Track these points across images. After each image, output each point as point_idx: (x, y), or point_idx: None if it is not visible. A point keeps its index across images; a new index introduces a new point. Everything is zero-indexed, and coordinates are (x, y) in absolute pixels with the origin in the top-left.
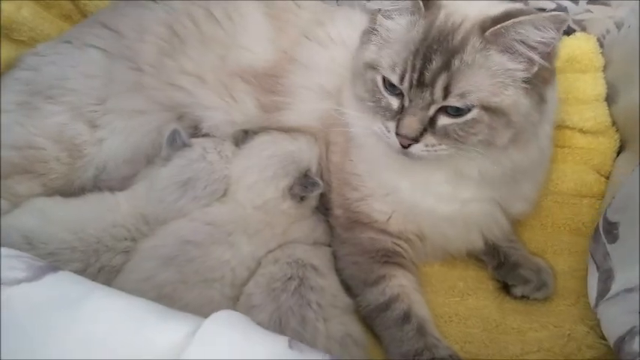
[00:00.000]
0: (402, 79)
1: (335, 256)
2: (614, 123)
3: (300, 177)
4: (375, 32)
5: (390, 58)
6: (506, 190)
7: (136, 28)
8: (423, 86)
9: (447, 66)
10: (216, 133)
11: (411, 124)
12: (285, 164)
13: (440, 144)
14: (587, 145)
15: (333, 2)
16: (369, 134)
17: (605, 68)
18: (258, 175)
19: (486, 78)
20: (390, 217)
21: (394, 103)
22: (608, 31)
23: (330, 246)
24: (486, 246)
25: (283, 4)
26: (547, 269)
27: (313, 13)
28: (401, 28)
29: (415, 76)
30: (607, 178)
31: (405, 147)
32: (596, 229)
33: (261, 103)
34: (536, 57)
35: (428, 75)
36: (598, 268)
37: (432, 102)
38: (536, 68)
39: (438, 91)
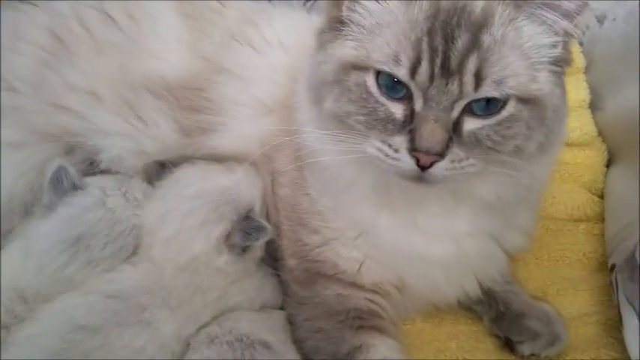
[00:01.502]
0: (413, 70)
1: (291, 323)
2: (599, 133)
3: (240, 220)
4: (347, 24)
5: (388, 47)
6: (503, 220)
7: (7, 35)
8: (449, 75)
9: (475, 44)
10: (120, 168)
11: (435, 132)
12: (218, 205)
13: (468, 157)
14: (573, 160)
15: (265, 1)
16: (344, 162)
17: (586, 70)
18: (181, 223)
19: (520, 57)
20: (361, 265)
21: (397, 110)
22: (587, 27)
23: (283, 309)
24: (481, 293)
25: (203, 2)
26: (557, 317)
27: (243, 12)
28: (394, 7)
29: (438, 61)
30: (600, 197)
31: (425, 168)
32: (632, 267)
33: (181, 125)
34: (570, 27)
35: (454, 58)
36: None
37: (460, 96)
38: (566, 44)
39: (469, 78)
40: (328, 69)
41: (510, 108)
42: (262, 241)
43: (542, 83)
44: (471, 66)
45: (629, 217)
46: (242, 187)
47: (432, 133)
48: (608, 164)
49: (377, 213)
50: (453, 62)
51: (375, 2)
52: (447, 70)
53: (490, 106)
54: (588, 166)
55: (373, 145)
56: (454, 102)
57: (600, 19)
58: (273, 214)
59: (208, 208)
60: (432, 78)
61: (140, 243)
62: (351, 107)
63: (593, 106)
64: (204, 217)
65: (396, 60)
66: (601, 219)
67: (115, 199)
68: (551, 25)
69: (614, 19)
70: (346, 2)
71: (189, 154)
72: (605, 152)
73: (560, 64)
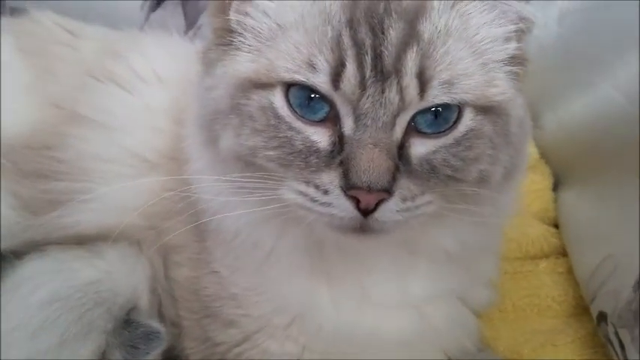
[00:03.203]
0: (336, 76)
1: None
2: (541, 155)
3: (118, 329)
4: (239, 32)
5: (297, 51)
6: (467, 272)
7: None
8: (384, 78)
9: (412, 36)
10: None
11: (376, 160)
12: (83, 311)
13: (423, 192)
14: None
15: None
16: (259, 219)
17: None
18: (31, 346)
19: (471, 54)
20: None
21: (320, 137)
22: None
23: None
24: None
25: (47, 33)
26: None
27: (102, 43)
28: (297, 3)
29: (368, 60)
30: (555, 226)
31: (368, 212)
32: None
33: (24, 200)
34: (526, 10)
35: (389, 54)
36: None
37: (402, 107)
38: (521, 37)
39: (411, 80)
40: (220, 94)
41: (467, 121)
42: (156, 353)
43: (501, 87)
44: (411, 64)
45: (604, 250)
46: (117, 278)
47: (372, 162)
48: (554, 188)
49: (312, 287)
50: (388, 60)
51: (270, 1)
52: (381, 72)
53: (440, 120)
54: (535, 192)
55: (293, 189)
56: (395, 116)
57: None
58: (168, 308)
59: (68, 318)
60: (362, 84)
61: None
62: (257, 140)
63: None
64: (62, 332)
65: (310, 65)
66: (562, 252)
67: None
68: (503, 11)
69: (544, 25)
70: (235, 3)
71: (38, 239)
72: (551, 175)
73: (518, 63)
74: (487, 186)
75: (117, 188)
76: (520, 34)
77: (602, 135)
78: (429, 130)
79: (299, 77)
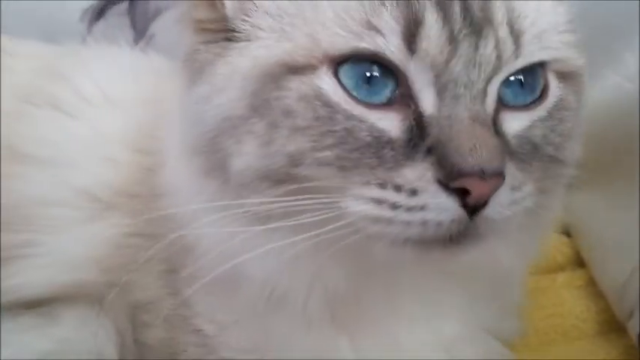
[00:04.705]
0: (411, 36)
1: None
2: None
3: None
4: (241, 21)
5: (347, 16)
6: (499, 300)
7: None
8: (477, 30)
9: None
10: None
11: (482, 136)
12: None
13: (526, 181)
14: None
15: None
16: (292, 260)
17: None
18: None
19: (544, 11)
20: None
21: (388, 123)
22: None
23: None
24: None
25: None
26: None
27: (40, 61)
28: None
29: (456, 8)
30: (567, 234)
31: (476, 210)
32: None
33: None
34: None
35: (476, 3)
36: None
37: (497, 67)
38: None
39: (505, 32)
40: (231, 97)
41: (555, 88)
42: None
43: (572, 48)
44: (501, 12)
45: (633, 259)
46: (76, 346)
47: (477, 139)
48: None
49: (331, 338)
50: (476, 7)
51: None
52: (471, 24)
53: (526, 90)
54: None
55: (362, 198)
56: (488, 81)
57: None
58: None
59: None
60: (451, 39)
61: None
62: (301, 142)
63: None
64: None
65: (372, 28)
66: (578, 263)
67: None
68: None
69: None
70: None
71: None
72: None
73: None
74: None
75: (67, 238)
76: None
77: (613, 128)
78: (517, 103)
79: (362, 44)
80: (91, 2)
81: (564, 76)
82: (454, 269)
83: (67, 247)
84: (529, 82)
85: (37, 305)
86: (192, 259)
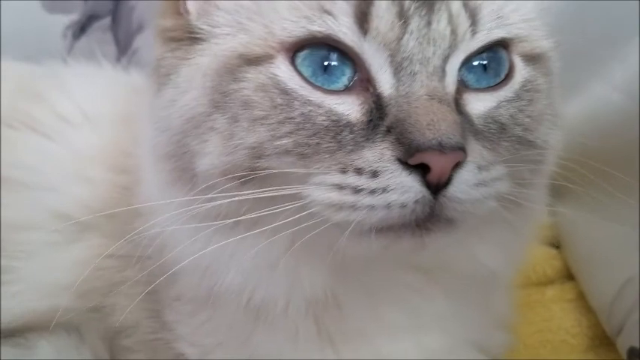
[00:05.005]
0: (362, 14)
1: None
2: None
3: None
4: (204, 23)
5: (300, 3)
6: (479, 313)
7: None
8: (429, 5)
9: None
10: None
11: (439, 111)
12: None
13: (496, 162)
14: None
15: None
16: (270, 262)
17: None
18: None
19: None
20: None
21: (347, 107)
22: None
23: None
24: None
25: None
26: None
27: (18, 81)
28: None
29: None
30: (555, 247)
31: (439, 188)
32: None
33: None
34: None
35: None
36: None
37: (453, 44)
38: None
39: (459, 9)
40: (194, 95)
41: (521, 70)
42: None
43: (538, 30)
44: None
45: (622, 273)
46: None
47: (434, 114)
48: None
49: (318, 351)
50: None
51: None
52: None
53: (490, 73)
54: None
55: (324, 185)
56: (445, 59)
57: None
58: None
59: None
60: (402, 14)
61: None
62: (261, 131)
63: None
64: None
65: (324, 12)
66: (567, 276)
67: None
68: None
69: None
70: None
71: None
72: None
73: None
74: (546, 159)
75: (42, 262)
76: None
77: (601, 139)
78: (480, 86)
79: (313, 27)
80: (73, 18)
81: (532, 59)
82: (429, 262)
83: (41, 273)
84: (493, 65)
85: (11, 335)
86: (172, 278)
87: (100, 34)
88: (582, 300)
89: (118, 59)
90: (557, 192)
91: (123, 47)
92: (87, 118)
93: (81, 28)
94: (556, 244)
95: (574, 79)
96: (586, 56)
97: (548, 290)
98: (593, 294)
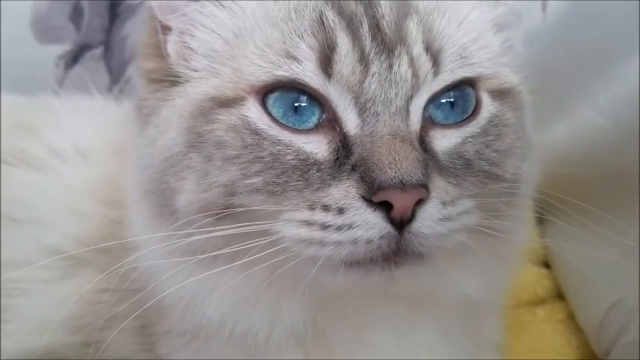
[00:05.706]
0: (325, 59)
1: None
2: None
3: None
4: (182, 66)
5: (268, 47)
6: (468, 338)
7: None
8: (389, 49)
9: (408, 7)
10: None
11: (401, 150)
12: None
13: (461, 196)
14: None
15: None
16: (250, 294)
17: None
18: None
19: (470, 31)
20: None
21: (315, 146)
22: None
23: None
24: None
25: None
26: None
27: (11, 115)
28: (255, 5)
29: (365, 28)
30: (546, 267)
31: (404, 225)
32: None
33: None
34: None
35: (387, 22)
36: None
37: (417, 85)
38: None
39: (420, 50)
40: (171, 135)
41: (488, 105)
42: None
43: (508, 69)
44: (415, 32)
45: (610, 294)
46: None
47: (396, 153)
48: (538, 222)
49: None
50: (388, 29)
51: (221, 8)
52: (383, 43)
53: (457, 110)
54: None
55: (293, 221)
56: (408, 99)
57: None
58: None
59: None
60: (363, 59)
61: None
62: (232, 170)
63: None
64: None
65: (290, 57)
66: (558, 295)
67: None
68: None
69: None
70: (172, 38)
71: None
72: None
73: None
74: (520, 192)
75: (37, 300)
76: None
77: (587, 162)
78: (449, 121)
79: (279, 72)
80: (65, 48)
81: (499, 94)
82: (410, 293)
83: (36, 310)
84: (459, 102)
85: None
86: (163, 312)
87: (92, 63)
88: (572, 320)
89: (111, 88)
90: (543, 218)
91: (115, 76)
92: (80, 152)
93: (73, 58)
94: (546, 264)
95: (560, 103)
96: (572, 81)
97: (539, 310)
98: (582, 315)
